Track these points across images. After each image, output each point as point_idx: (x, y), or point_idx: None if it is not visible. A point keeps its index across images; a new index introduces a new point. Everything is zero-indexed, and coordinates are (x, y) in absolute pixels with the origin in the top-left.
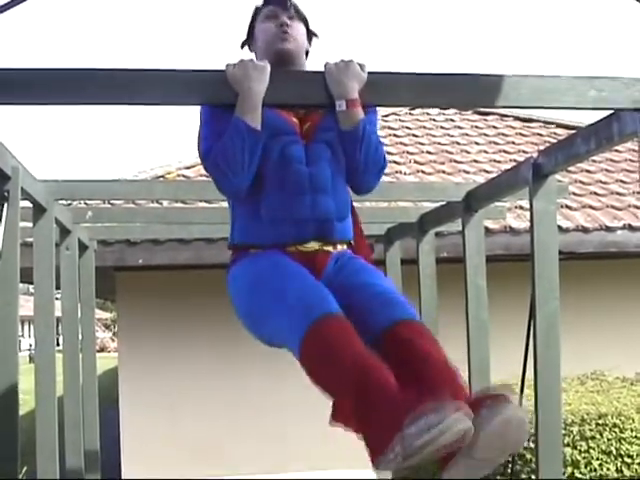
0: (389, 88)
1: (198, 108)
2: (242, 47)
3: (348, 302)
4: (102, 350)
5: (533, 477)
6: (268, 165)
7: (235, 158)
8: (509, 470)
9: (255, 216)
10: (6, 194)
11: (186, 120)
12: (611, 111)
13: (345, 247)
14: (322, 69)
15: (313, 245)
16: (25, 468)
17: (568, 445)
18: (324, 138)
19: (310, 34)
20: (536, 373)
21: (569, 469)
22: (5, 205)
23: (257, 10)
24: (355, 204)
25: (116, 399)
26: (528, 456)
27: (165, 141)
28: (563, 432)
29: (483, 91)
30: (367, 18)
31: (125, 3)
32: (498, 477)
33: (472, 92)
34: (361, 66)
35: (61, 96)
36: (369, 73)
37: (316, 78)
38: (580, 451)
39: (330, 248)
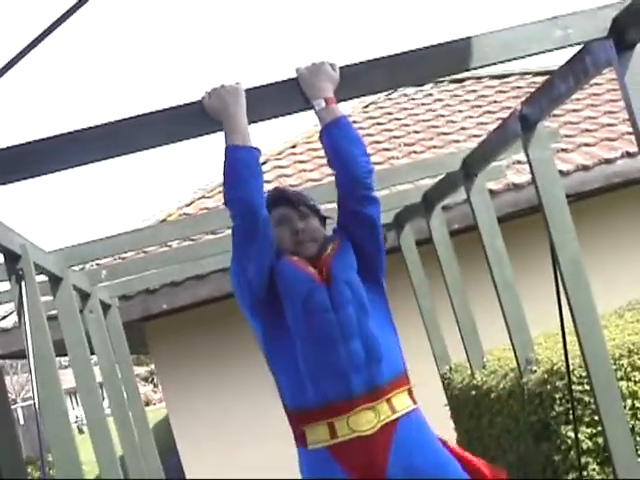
0: (363, 77)
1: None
2: None
3: None
4: (147, 404)
5: (596, 418)
6: (296, 319)
7: (240, 177)
8: (571, 417)
9: (297, 374)
10: (20, 272)
11: (175, 160)
12: (582, 45)
13: (408, 400)
14: (294, 75)
15: (364, 409)
16: None
17: (622, 379)
18: (342, 278)
19: (323, 219)
20: (573, 317)
21: (628, 401)
22: (22, 284)
23: (268, 210)
24: None
25: (174, 446)
26: (586, 399)
27: (159, 186)
28: (614, 367)
29: (452, 57)
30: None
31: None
32: (562, 425)
33: (442, 61)
34: (332, 66)
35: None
36: (340, 68)
37: (291, 86)
38: (635, 382)
39: (387, 409)
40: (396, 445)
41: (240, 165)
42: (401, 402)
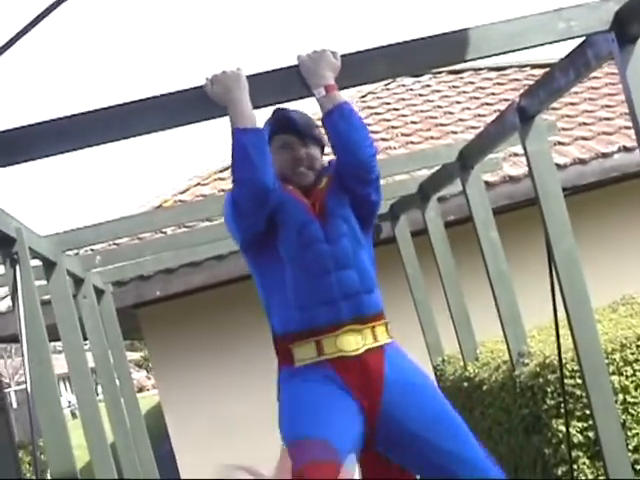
0: (364, 65)
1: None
2: None
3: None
4: (141, 390)
5: (587, 412)
6: (289, 248)
7: (249, 158)
8: (562, 410)
9: (286, 303)
10: (15, 256)
11: (171, 146)
12: (583, 38)
13: (386, 335)
14: (295, 62)
15: (350, 330)
16: None
17: (614, 373)
18: (337, 214)
19: (323, 148)
20: (567, 310)
21: (620, 396)
22: (17, 267)
23: (271, 132)
24: None
25: (166, 433)
26: (578, 392)
27: (155, 172)
28: (606, 361)
29: (453, 48)
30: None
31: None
32: (553, 419)
33: (443, 51)
34: (333, 54)
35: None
36: (342, 56)
37: (292, 73)
38: (627, 376)
39: (371, 336)
40: (389, 364)
41: (249, 147)
42: (382, 334)
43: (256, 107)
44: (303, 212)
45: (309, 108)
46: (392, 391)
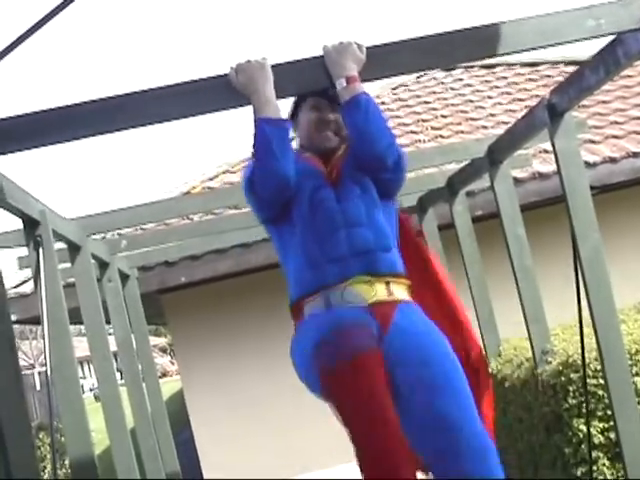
0: (392, 57)
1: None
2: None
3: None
4: (164, 375)
5: (609, 412)
6: (300, 211)
7: (272, 148)
8: (584, 410)
9: (300, 266)
10: (39, 239)
11: (201, 132)
12: (614, 36)
13: (406, 295)
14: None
15: (359, 281)
16: None
17: (637, 374)
18: (351, 179)
19: None
20: (591, 309)
21: None
22: (40, 250)
23: (302, 97)
24: None
25: (188, 420)
26: (600, 393)
27: (184, 157)
28: (630, 362)
29: (485, 42)
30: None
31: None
32: (575, 418)
33: (475, 45)
34: (359, 46)
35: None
36: (370, 48)
37: (316, 63)
38: None
39: (384, 289)
40: (400, 314)
41: (273, 137)
42: (399, 291)
43: (280, 97)
44: (317, 178)
45: None
46: (397, 336)
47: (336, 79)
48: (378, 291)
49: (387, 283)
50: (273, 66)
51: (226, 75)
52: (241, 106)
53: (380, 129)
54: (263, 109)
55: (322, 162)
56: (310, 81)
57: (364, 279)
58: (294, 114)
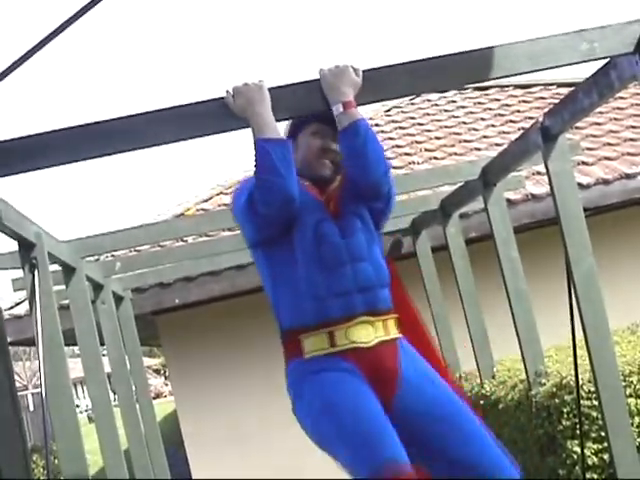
0: (386, 81)
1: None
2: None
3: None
4: (158, 396)
5: (603, 434)
6: (304, 242)
7: (276, 165)
8: (578, 431)
9: (298, 296)
10: (34, 261)
11: (194, 154)
12: (607, 59)
13: (397, 329)
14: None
15: (363, 321)
16: None
17: (631, 396)
18: (351, 212)
19: None
20: (585, 331)
21: (636, 419)
22: (36, 272)
23: (303, 121)
24: None
25: (181, 441)
26: (594, 414)
27: (177, 179)
28: (623, 384)
29: (478, 66)
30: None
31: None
32: (569, 440)
33: (468, 69)
34: (355, 70)
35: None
36: (364, 71)
37: (313, 87)
38: None
39: (382, 328)
40: (404, 360)
41: (277, 155)
42: (393, 327)
43: (277, 120)
44: (320, 210)
45: None
46: (406, 388)
47: (333, 104)
48: (378, 330)
49: (384, 321)
50: (269, 89)
51: (222, 98)
52: (237, 129)
53: (378, 156)
54: (263, 130)
55: (319, 190)
56: (306, 105)
57: (367, 319)
58: (292, 135)
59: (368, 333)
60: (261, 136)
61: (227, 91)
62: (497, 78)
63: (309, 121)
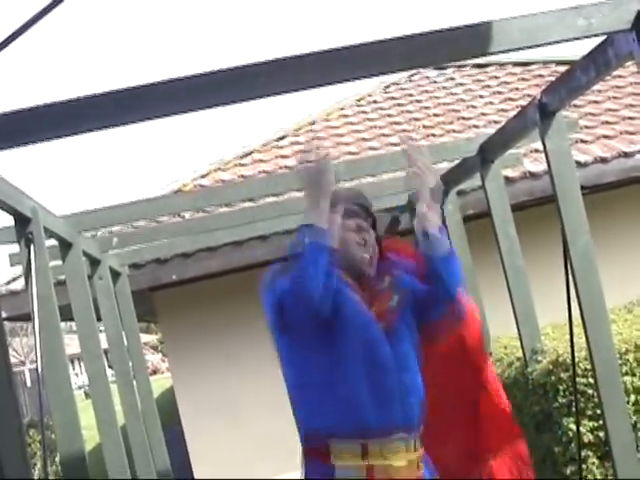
0: (383, 56)
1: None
2: None
3: None
4: (155, 372)
5: (599, 412)
6: (347, 344)
7: (319, 273)
8: (573, 409)
9: (334, 398)
10: (30, 236)
11: (192, 130)
12: (605, 36)
13: (421, 447)
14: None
15: (400, 438)
16: None
17: (627, 374)
18: (402, 320)
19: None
20: (582, 310)
21: (632, 397)
22: (32, 247)
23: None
24: (372, 179)
25: (178, 417)
26: (590, 392)
27: (175, 155)
28: (619, 362)
29: (474, 41)
30: None
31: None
32: (564, 417)
33: (464, 44)
34: (436, 193)
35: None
36: (358, 46)
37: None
38: None
39: (413, 446)
40: (426, 472)
41: (321, 262)
42: (419, 443)
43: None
44: (364, 312)
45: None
46: None
47: (432, 226)
48: (409, 449)
49: (415, 440)
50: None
51: (217, 72)
52: (234, 103)
53: (459, 280)
54: (318, 224)
55: (359, 284)
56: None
57: (403, 437)
58: None
59: (402, 454)
60: (315, 239)
61: (300, 163)
62: (494, 53)
63: (343, 209)
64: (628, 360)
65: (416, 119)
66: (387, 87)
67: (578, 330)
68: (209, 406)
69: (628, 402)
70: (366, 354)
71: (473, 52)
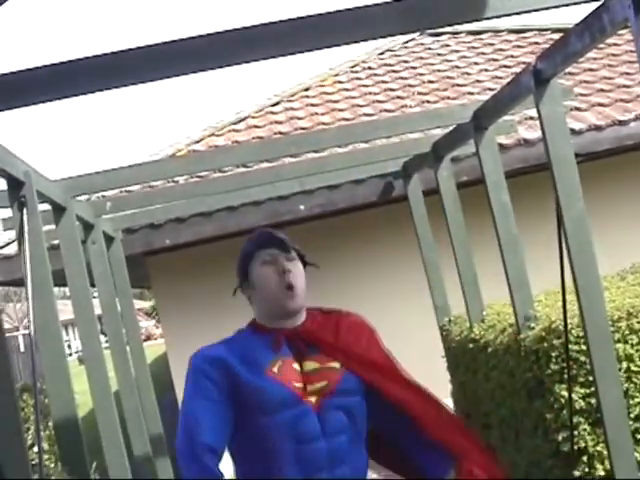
0: (377, 20)
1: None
2: (234, 293)
3: None
4: (148, 339)
5: (591, 379)
6: (279, 440)
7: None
8: (565, 376)
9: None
10: (23, 199)
11: (186, 95)
12: (600, 2)
13: None
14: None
15: None
16: (95, 464)
17: (619, 341)
18: (342, 404)
19: (305, 264)
20: (574, 276)
21: (624, 364)
22: (24, 211)
23: (252, 252)
24: (365, 145)
25: (171, 383)
26: (582, 358)
27: (169, 120)
28: (612, 329)
29: (467, 5)
30: None
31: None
32: (556, 384)
33: (457, 8)
34: None
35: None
36: (352, 10)
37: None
38: (632, 344)
39: None
40: None
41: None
42: None
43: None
44: (297, 402)
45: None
46: None
47: (451, 466)
48: None
49: None
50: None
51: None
52: (227, 66)
53: None
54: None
55: (292, 330)
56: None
57: None
58: (244, 278)
59: None
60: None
61: None
62: (489, 18)
63: (251, 254)
64: (620, 328)
65: (410, 85)
66: (381, 54)
67: (571, 297)
68: None
69: (620, 369)
70: (298, 449)
71: (468, 17)
